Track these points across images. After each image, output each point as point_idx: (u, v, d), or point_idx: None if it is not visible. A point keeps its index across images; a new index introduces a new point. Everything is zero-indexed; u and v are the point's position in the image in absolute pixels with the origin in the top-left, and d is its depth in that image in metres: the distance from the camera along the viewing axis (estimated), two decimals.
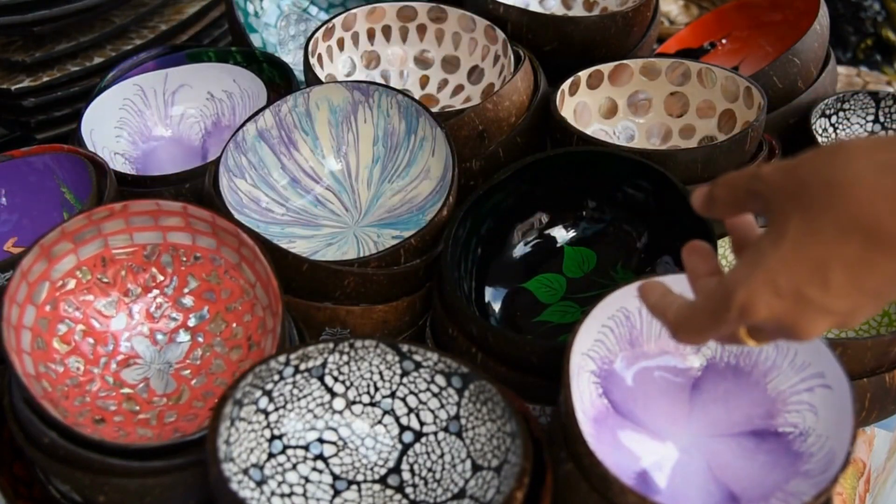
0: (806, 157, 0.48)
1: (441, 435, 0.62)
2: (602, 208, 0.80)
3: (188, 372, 0.67)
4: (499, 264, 0.80)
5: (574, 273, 0.80)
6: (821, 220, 0.46)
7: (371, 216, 0.81)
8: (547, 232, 0.81)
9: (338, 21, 0.91)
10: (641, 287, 0.55)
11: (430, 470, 0.61)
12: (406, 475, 0.61)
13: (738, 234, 0.54)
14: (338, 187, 0.82)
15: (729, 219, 0.54)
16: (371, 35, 0.94)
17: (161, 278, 0.69)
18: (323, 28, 0.90)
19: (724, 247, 0.85)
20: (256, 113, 0.78)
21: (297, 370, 0.60)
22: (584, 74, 0.89)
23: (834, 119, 0.98)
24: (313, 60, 0.87)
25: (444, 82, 0.94)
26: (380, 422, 0.63)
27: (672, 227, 0.76)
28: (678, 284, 0.62)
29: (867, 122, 0.99)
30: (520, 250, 0.81)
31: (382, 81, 0.94)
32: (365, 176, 0.83)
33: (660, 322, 0.54)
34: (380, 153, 0.83)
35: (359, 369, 0.62)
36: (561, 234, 0.81)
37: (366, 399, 0.62)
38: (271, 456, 0.59)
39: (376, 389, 0.62)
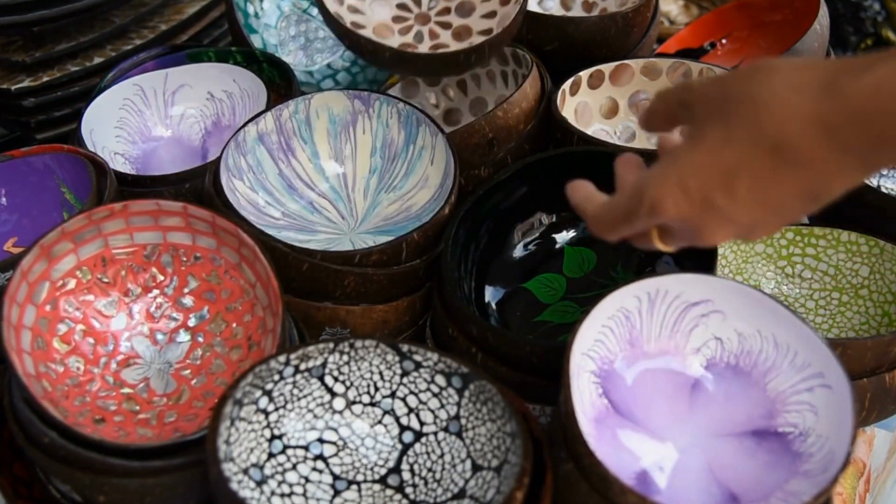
0: (733, 72, 0.51)
1: (441, 435, 0.62)
2: None
3: (188, 372, 0.67)
4: (499, 264, 0.80)
5: (574, 273, 0.80)
6: (736, 131, 0.48)
7: (367, 224, 0.81)
8: (547, 232, 0.81)
9: None
10: (569, 186, 0.59)
11: (430, 470, 0.61)
12: (406, 475, 0.61)
13: (665, 149, 0.57)
14: (333, 196, 0.82)
15: (663, 132, 0.57)
16: None
17: (161, 278, 0.69)
18: None
19: (724, 246, 0.85)
20: (258, 115, 0.78)
21: (297, 370, 0.60)
22: (584, 74, 0.89)
23: None
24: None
25: None
26: (380, 422, 0.63)
27: None
28: (678, 284, 0.63)
29: None
30: (520, 250, 0.81)
31: None
32: (361, 186, 0.83)
33: (582, 217, 0.58)
34: (377, 164, 0.83)
35: (359, 369, 0.62)
36: (561, 234, 0.81)
37: (366, 399, 0.62)
38: (271, 456, 0.59)
39: (376, 389, 0.62)
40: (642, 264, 0.78)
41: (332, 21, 0.84)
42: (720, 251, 0.84)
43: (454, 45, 0.89)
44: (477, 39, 0.88)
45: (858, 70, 0.46)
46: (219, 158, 0.75)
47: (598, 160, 0.78)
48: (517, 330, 0.77)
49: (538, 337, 0.76)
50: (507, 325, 0.77)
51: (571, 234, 0.81)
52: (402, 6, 0.92)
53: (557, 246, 0.81)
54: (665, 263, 0.77)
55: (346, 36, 0.84)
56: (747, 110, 0.48)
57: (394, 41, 0.90)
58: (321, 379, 0.61)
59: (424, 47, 0.90)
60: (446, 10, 0.92)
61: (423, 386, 0.62)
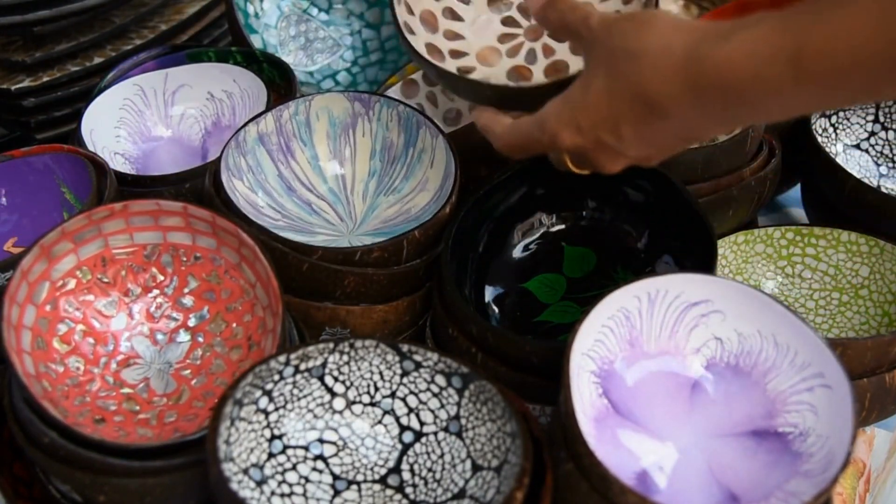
0: (622, 21, 0.56)
1: (441, 435, 0.62)
2: (602, 208, 0.80)
3: (188, 372, 0.67)
4: (499, 264, 0.80)
5: (574, 273, 0.80)
6: (618, 83, 0.54)
7: (366, 226, 0.80)
8: (547, 232, 0.81)
9: None
10: (474, 112, 0.67)
11: (430, 470, 0.61)
12: (406, 475, 0.61)
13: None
14: (332, 198, 0.82)
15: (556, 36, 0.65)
16: None
17: (161, 278, 0.69)
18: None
19: (725, 246, 0.85)
20: (259, 115, 0.78)
21: (297, 370, 0.60)
22: None
23: (834, 119, 0.98)
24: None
25: None
26: (380, 422, 0.63)
27: (672, 227, 0.76)
28: (678, 284, 0.63)
29: (867, 121, 0.99)
30: (520, 250, 0.81)
31: None
32: (360, 189, 0.82)
33: (489, 136, 0.65)
34: (376, 167, 0.82)
35: (359, 369, 0.62)
36: (561, 235, 0.81)
37: (366, 399, 0.62)
38: (271, 456, 0.59)
39: (376, 389, 0.62)
40: (642, 264, 0.78)
41: (420, 59, 0.71)
42: (720, 251, 0.84)
43: (574, 63, 0.75)
44: None
45: (720, 37, 0.50)
46: (219, 158, 0.75)
47: None
48: (517, 330, 0.77)
49: (538, 337, 0.76)
50: (507, 325, 0.77)
51: (571, 234, 0.81)
52: (508, 21, 0.78)
53: (557, 246, 0.81)
54: (665, 263, 0.77)
55: (441, 76, 0.70)
56: (626, 65, 0.54)
57: (502, 66, 0.76)
58: (321, 379, 0.61)
59: (539, 68, 0.76)
60: None
61: (423, 386, 0.62)
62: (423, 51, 0.72)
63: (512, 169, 0.77)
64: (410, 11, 0.73)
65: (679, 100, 0.52)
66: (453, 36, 0.76)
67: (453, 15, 0.77)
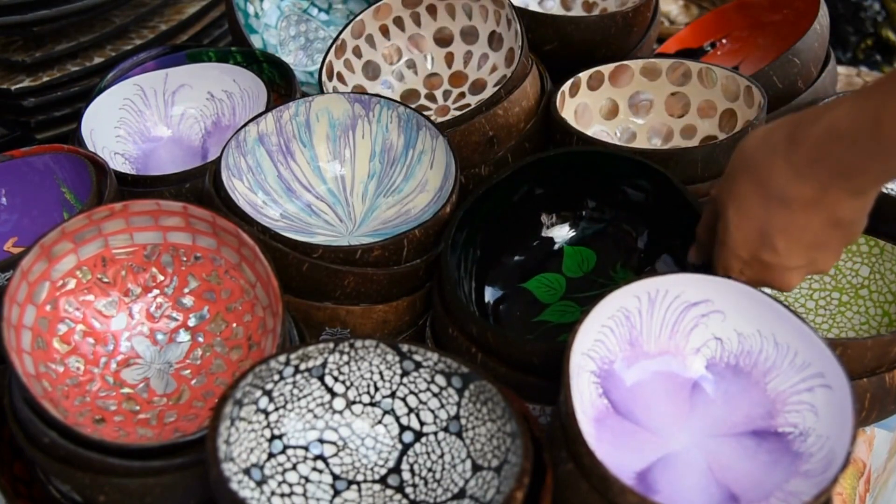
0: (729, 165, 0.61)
1: (441, 435, 0.62)
2: (602, 208, 0.80)
3: (188, 372, 0.67)
4: (499, 264, 0.80)
5: (574, 273, 0.80)
6: (746, 202, 0.59)
7: (365, 227, 0.80)
8: (547, 232, 0.81)
9: (346, 34, 0.91)
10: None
11: (430, 470, 0.61)
12: (406, 475, 0.61)
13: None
14: (332, 199, 0.82)
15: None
16: (385, 32, 0.94)
17: (161, 278, 0.69)
18: (333, 47, 0.89)
19: None
20: (259, 115, 0.78)
21: (297, 370, 0.60)
22: (584, 75, 0.89)
23: None
24: (333, 83, 0.88)
25: (469, 55, 0.94)
26: (380, 422, 0.63)
27: (672, 226, 0.76)
28: (678, 284, 0.63)
29: None
30: (520, 250, 0.81)
31: (410, 72, 0.95)
32: (360, 190, 0.82)
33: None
34: (376, 169, 0.82)
35: (359, 369, 0.62)
36: (561, 234, 0.81)
37: (366, 399, 0.62)
38: (271, 456, 0.59)
39: (376, 389, 0.62)
40: (642, 264, 0.78)
41: None
42: None
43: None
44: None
45: (811, 121, 0.54)
46: (219, 158, 0.75)
47: (597, 160, 0.78)
48: (517, 330, 0.77)
49: (538, 337, 0.76)
50: (507, 325, 0.77)
51: (571, 234, 0.81)
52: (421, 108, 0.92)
53: (557, 246, 0.81)
54: (665, 263, 0.77)
55: None
56: (744, 181, 0.58)
57: None
58: (321, 379, 0.61)
59: None
60: (461, 96, 0.93)
61: (423, 386, 0.62)
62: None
63: (512, 169, 0.77)
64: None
65: (796, 187, 0.55)
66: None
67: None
